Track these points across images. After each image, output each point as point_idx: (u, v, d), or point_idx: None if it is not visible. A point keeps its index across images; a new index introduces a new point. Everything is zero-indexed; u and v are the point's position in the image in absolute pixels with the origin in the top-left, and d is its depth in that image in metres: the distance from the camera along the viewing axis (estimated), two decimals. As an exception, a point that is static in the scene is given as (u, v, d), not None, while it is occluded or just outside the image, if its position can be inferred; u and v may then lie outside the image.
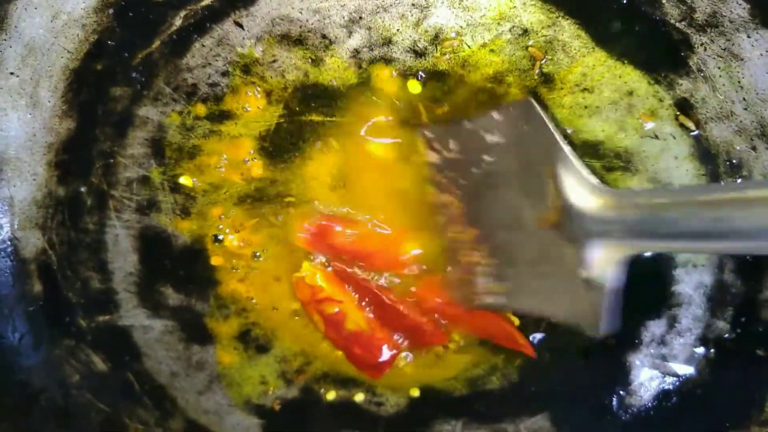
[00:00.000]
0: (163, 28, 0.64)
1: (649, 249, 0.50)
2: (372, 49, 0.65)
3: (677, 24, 0.62)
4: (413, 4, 0.64)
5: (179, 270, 0.69)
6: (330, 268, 0.69)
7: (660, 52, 0.63)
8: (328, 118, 0.67)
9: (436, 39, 0.65)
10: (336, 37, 0.65)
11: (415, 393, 0.71)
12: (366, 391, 0.71)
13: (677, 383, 0.68)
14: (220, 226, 0.69)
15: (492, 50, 0.65)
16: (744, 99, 0.62)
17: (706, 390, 0.67)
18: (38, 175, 0.66)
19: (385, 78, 0.65)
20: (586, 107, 0.65)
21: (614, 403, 0.68)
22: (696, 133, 0.64)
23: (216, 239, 0.69)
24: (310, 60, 0.66)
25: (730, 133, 0.63)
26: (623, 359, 0.68)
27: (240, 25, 0.65)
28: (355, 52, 0.65)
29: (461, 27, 0.65)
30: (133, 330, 0.70)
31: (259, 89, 0.66)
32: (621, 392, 0.68)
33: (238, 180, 0.68)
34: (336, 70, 0.66)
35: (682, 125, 0.64)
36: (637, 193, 0.50)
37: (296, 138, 0.67)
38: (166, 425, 0.70)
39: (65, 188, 0.67)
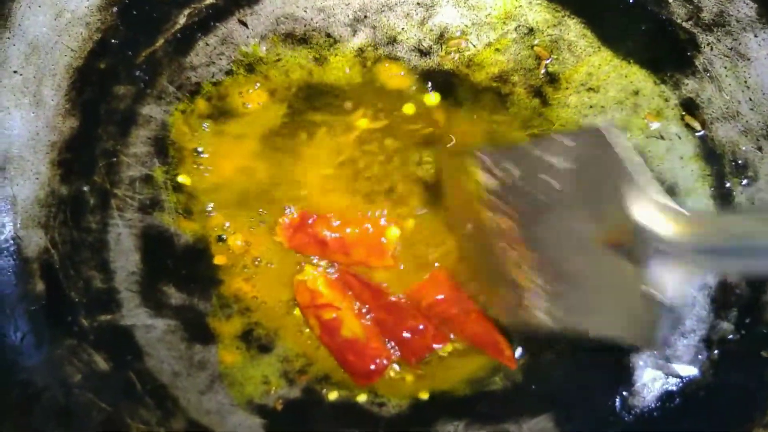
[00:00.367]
0: (167, 27, 0.64)
1: (717, 270, 0.51)
2: (377, 48, 0.65)
3: (683, 23, 0.62)
4: (418, 3, 0.64)
5: (182, 269, 0.69)
6: (331, 270, 0.69)
7: (666, 52, 0.63)
8: (333, 118, 0.66)
9: (441, 38, 0.65)
10: (340, 36, 0.65)
11: (425, 396, 0.70)
12: (368, 391, 0.71)
13: (680, 384, 0.67)
14: (226, 225, 0.68)
15: (497, 49, 0.65)
16: (750, 99, 0.62)
17: (709, 391, 0.67)
18: (41, 173, 0.66)
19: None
20: (591, 107, 0.65)
21: (617, 404, 0.68)
22: (702, 133, 0.64)
23: (220, 239, 0.69)
24: (314, 59, 0.65)
25: (736, 133, 0.63)
26: (626, 360, 0.68)
27: (244, 24, 0.64)
28: (360, 51, 0.65)
29: (466, 26, 0.64)
30: (135, 329, 0.69)
31: (263, 88, 0.66)
32: (624, 393, 0.68)
33: (241, 180, 0.68)
34: (340, 68, 0.65)
35: (687, 125, 0.64)
36: (711, 217, 0.51)
37: (300, 137, 0.67)
38: (168, 425, 0.69)
39: (68, 187, 0.67)
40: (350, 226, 0.67)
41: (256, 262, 0.69)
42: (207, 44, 0.65)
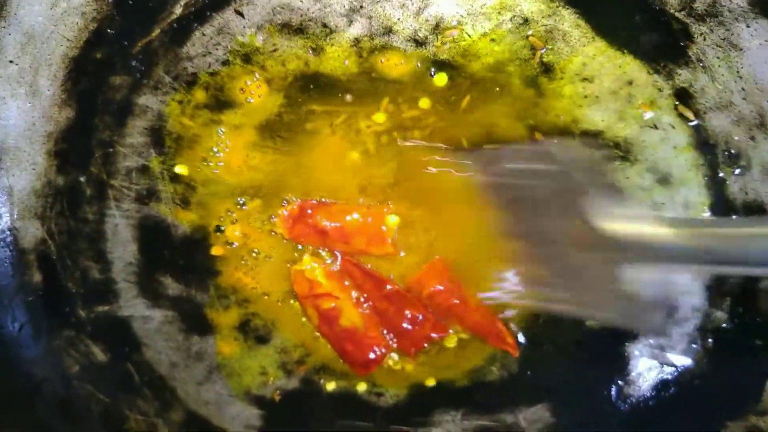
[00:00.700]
0: (163, 17, 0.64)
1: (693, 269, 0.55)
2: (373, 38, 0.65)
3: (677, 14, 0.62)
4: (414, -7, 0.65)
5: (179, 260, 0.69)
6: (330, 261, 0.69)
7: (659, 42, 0.63)
8: (329, 108, 0.67)
9: (437, 28, 0.65)
10: (336, 26, 0.65)
11: (431, 382, 0.71)
12: (366, 381, 0.71)
13: (675, 373, 0.68)
14: (222, 218, 0.68)
15: (493, 39, 0.65)
16: (743, 89, 0.62)
17: (704, 380, 0.67)
18: (37, 164, 0.66)
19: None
20: (586, 97, 0.65)
21: (613, 393, 0.69)
22: (695, 122, 0.65)
23: (218, 229, 0.69)
24: (310, 49, 0.65)
25: (728, 123, 0.64)
26: (622, 350, 0.69)
27: (240, 14, 0.64)
28: (356, 41, 0.65)
29: (462, 16, 0.65)
30: (132, 320, 0.69)
31: (259, 78, 0.66)
32: (620, 382, 0.69)
33: (238, 170, 0.68)
34: (337, 59, 0.65)
35: (681, 115, 0.65)
36: (678, 221, 0.54)
37: (297, 127, 0.67)
38: (166, 416, 0.69)
39: (64, 178, 0.66)
40: (350, 214, 0.68)
41: (254, 254, 0.69)
42: (203, 34, 0.65)
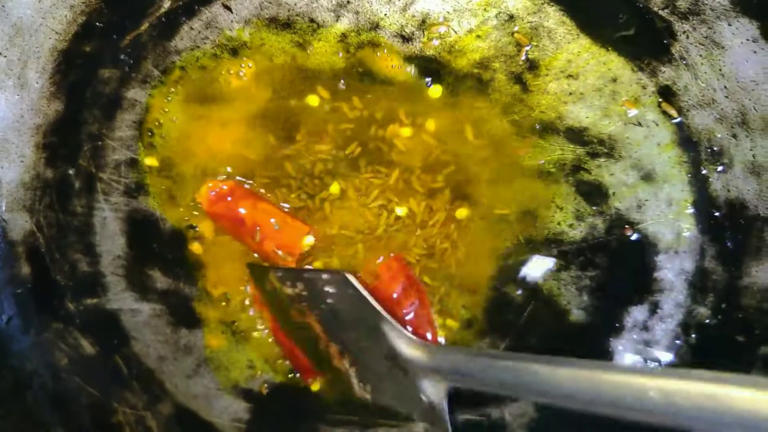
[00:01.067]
0: (151, 10, 0.64)
1: (465, 386, 0.62)
2: (359, 34, 0.66)
3: (660, 11, 0.63)
4: (401, -11, 0.65)
5: (167, 253, 0.70)
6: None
7: (643, 40, 0.64)
8: (316, 104, 0.67)
9: (423, 24, 0.65)
10: (324, 21, 0.65)
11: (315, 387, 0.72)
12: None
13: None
14: (196, 213, 0.69)
15: (478, 36, 0.65)
16: (725, 87, 0.63)
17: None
18: (26, 156, 0.66)
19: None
20: (570, 93, 0.66)
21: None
22: (678, 120, 0.65)
23: (190, 227, 0.69)
24: (297, 44, 0.66)
25: (711, 120, 0.64)
26: (606, 345, 0.69)
27: (228, 8, 0.65)
28: (343, 36, 0.66)
29: (448, 12, 0.65)
30: (121, 313, 0.70)
31: (247, 73, 0.66)
32: (604, 377, 0.69)
33: (226, 163, 0.68)
34: (324, 54, 0.66)
35: (664, 112, 0.65)
36: (448, 350, 0.66)
37: (284, 122, 0.67)
38: (155, 409, 0.70)
39: (53, 170, 0.67)
40: (273, 218, 0.68)
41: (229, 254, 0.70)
42: (191, 28, 0.65)
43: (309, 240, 0.69)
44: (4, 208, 0.66)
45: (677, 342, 0.68)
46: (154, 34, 0.65)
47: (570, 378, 0.52)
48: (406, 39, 0.66)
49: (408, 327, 0.69)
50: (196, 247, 0.69)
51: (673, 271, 0.67)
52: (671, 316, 0.68)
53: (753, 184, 0.64)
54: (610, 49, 0.64)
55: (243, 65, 0.66)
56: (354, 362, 0.67)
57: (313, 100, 0.66)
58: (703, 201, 0.66)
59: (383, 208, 0.68)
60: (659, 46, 0.64)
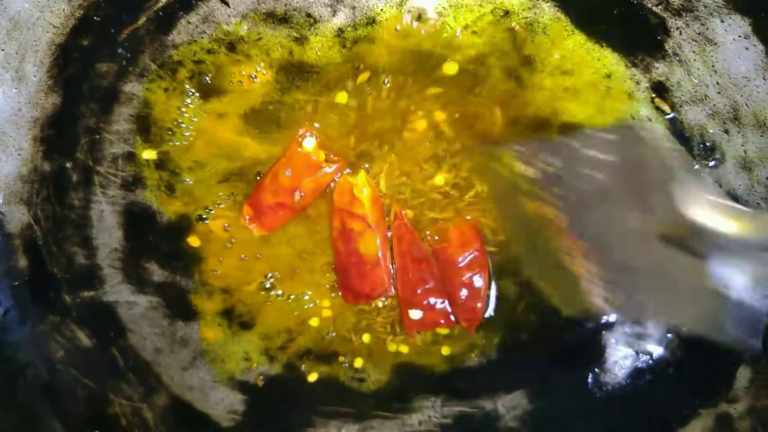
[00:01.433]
0: (149, 5, 0.64)
1: None
2: (356, 29, 0.66)
3: (654, 8, 0.63)
4: (397, -16, 0.65)
5: (164, 246, 0.70)
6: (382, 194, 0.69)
7: (637, 36, 0.64)
8: (313, 97, 0.67)
9: (420, 19, 0.65)
10: (320, 16, 0.65)
11: (447, 352, 0.71)
12: (348, 367, 0.71)
13: (650, 362, 0.69)
14: (210, 210, 0.69)
15: (474, 32, 0.65)
16: (717, 83, 0.63)
17: (678, 368, 0.68)
18: (24, 150, 0.66)
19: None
20: (566, 89, 0.66)
21: (590, 380, 0.69)
22: (671, 115, 0.65)
23: (200, 219, 0.69)
24: (294, 38, 0.66)
25: (704, 116, 0.65)
26: (599, 338, 0.69)
27: (225, 3, 0.65)
28: (339, 31, 0.66)
29: (444, 8, 0.65)
30: (117, 306, 0.70)
31: (244, 67, 0.66)
32: (596, 370, 0.69)
33: (222, 157, 0.68)
34: (320, 48, 0.66)
35: (658, 108, 0.65)
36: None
37: (281, 116, 0.67)
38: (151, 401, 0.70)
39: (51, 163, 0.67)
40: (282, 171, 0.68)
41: (228, 245, 0.70)
42: (189, 22, 0.65)
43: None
44: (1, 200, 0.67)
45: (669, 336, 0.68)
46: (152, 28, 0.65)
47: None
48: (403, 34, 0.66)
49: (461, 297, 0.66)
50: (193, 240, 0.69)
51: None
52: (663, 310, 0.68)
53: (744, 179, 0.64)
54: (604, 45, 0.65)
55: (258, 68, 0.66)
56: (604, 260, 0.55)
57: (341, 98, 0.67)
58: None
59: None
60: (653, 43, 0.64)
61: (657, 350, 0.68)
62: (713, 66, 0.63)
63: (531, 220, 0.59)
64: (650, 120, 0.66)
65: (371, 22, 0.66)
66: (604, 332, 0.69)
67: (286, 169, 0.67)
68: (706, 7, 0.62)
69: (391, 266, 0.70)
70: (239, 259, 0.70)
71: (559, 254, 0.57)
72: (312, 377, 0.71)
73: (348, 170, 0.69)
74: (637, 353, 0.69)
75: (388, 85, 0.66)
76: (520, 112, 0.66)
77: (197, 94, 0.67)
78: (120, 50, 0.65)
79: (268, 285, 0.70)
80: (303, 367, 0.72)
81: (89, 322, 0.69)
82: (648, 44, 0.64)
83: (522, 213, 0.60)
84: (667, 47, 0.64)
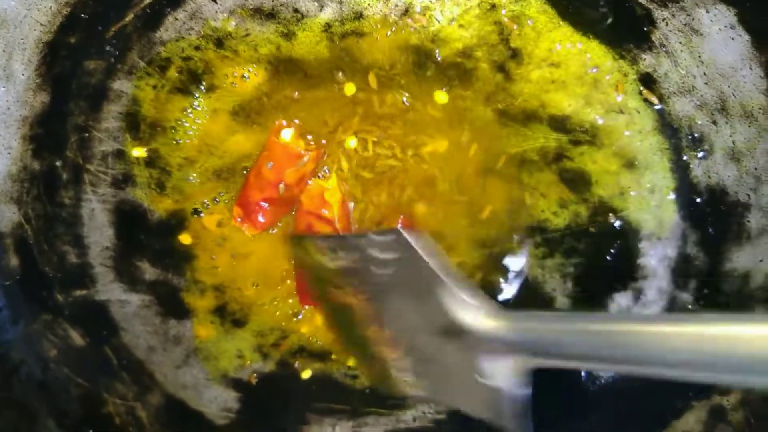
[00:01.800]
0: (136, 1, 0.65)
1: (542, 365, 0.50)
2: (343, 23, 0.66)
3: (640, -1, 0.63)
4: (383, -21, 0.65)
5: (155, 244, 0.70)
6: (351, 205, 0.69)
7: (624, 27, 0.64)
8: (301, 93, 0.67)
9: (406, 13, 0.66)
10: (308, 11, 0.66)
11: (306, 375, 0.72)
12: (341, 364, 0.71)
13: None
14: (206, 202, 0.69)
15: (461, 25, 0.66)
16: (704, 74, 0.64)
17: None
18: (13, 149, 0.66)
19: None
20: (553, 82, 0.66)
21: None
22: (659, 107, 0.66)
23: (196, 212, 0.69)
24: (282, 34, 0.66)
25: (692, 107, 0.65)
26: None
27: (213, -1, 0.65)
28: (327, 26, 0.66)
29: (430, 2, 0.66)
30: (109, 304, 0.70)
31: (232, 63, 0.67)
32: (589, 365, 0.69)
33: (212, 153, 0.68)
34: (308, 44, 0.66)
35: (646, 100, 0.66)
36: (525, 317, 0.52)
37: (269, 112, 0.68)
38: (145, 400, 0.70)
39: (40, 162, 0.67)
40: (260, 170, 0.68)
41: (221, 242, 0.70)
42: (176, 19, 0.65)
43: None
44: (-9, 200, 0.67)
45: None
46: (139, 25, 0.65)
47: (716, 338, 0.40)
48: (390, 28, 0.66)
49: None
50: (184, 238, 0.69)
51: (655, 258, 0.68)
52: (655, 302, 0.68)
53: (733, 170, 0.64)
54: (591, 37, 0.65)
55: (251, 69, 0.66)
56: (404, 349, 0.59)
57: (350, 89, 0.67)
58: (685, 187, 0.66)
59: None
60: (639, 34, 0.64)
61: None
62: (700, 56, 0.63)
63: (339, 305, 0.61)
64: (638, 112, 0.66)
65: (358, 16, 0.66)
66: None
67: (268, 163, 0.67)
68: (692, -2, 0.62)
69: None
70: (231, 256, 0.70)
71: (369, 339, 0.61)
72: (306, 374, 0.71)
73: (322, 172, 0.69)
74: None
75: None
76: (507, 105, 0.67)
77: (185, 91, 0.67)
78: (108, 48, 0.65)
79: (258, 285, 0.70)
80: (296, 364, 0.71)
81: (82, 320, 0.69)
82: (634, 36, 0.64)
83: (331, 298, 0.63)
84: (653, 38, 0.64)
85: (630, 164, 0.67)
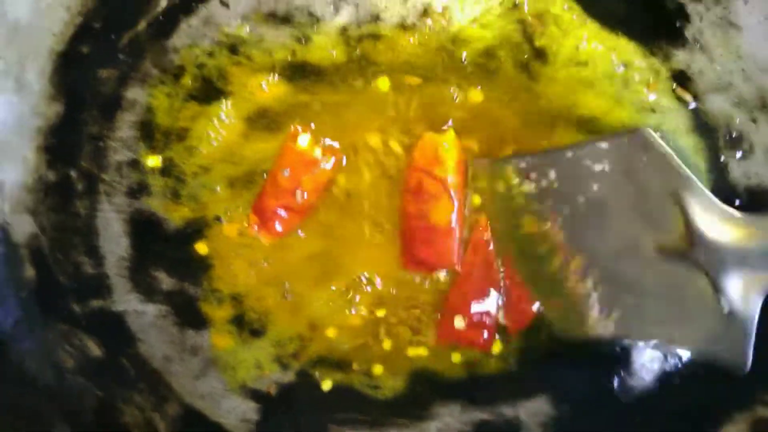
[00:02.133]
0: (148, 9, 0.64)
1: None
2: (360, 26, 0.65)
3: (671, -8, 0.61)
4: (400, -22, 0.64)
5: (171, 254, 0.69)
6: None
7: (655, 23, 0.63)
8: (317, 97, 0.66)
9: (425, 14, 0.64)
10: (323, 14, 0.65)
11: (460, 359, 0.69)
12: (363, 374, 0.70)
13: (679, 364, 0.66)
14: (226, 210, 0.69)
15: (482, 25, 0.64)
16: (743, 69, 0.62)
17: (708, 370, 0.64)
18: (28, 159, 0.66)
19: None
20: (580, 81, 0.64)
21: (615, 385, 0.67)
22: (694, 105, 0.64)
23: (217, 218, 0.69)
24: (297, 38, 0.65)
25: (729, 105, 0.63)
26: (624, 340, 0.66)
27: (225, 4, 0.64)
28: (343, 30, 0.65)
29: (450, 1, 0.64)
30: (126, 315, 0.70)
31: (246, 69, 0.66)
32: (622, 374, 0.67)
33: (227, 162, 0.68)
34: (324, 48, 0.65)
35: (679, 98, 0.64)
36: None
37: (286, 117, 0.67)
38: (162, 410, 0.70)
39: (55, 172, 0.67)
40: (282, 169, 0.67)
41: (238, 251, 0.69)
42: (189, 26, 0.65)
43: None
44: (7, 211, 0.67)
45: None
46: (152, 33, 0.65)
47: None
48: (408, 30, 0.65)
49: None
50: (200, 247, 0.69)
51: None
52: (691, 309, 0.66)
53: (776, 170, 0.62)
54: (619, 33, 0.63)
55: (266, 74, 0.66)
56: (598, 278, 0.55)
57: (383, 84, 0.65)
58: (723, 189, 0.63)
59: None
60: (671, 29, 0.62)
61: (685, 352, 0.66)
62: (737, 51, 0.61)
63: (528, 236, 0.59)
64: (672, 111, 0.63)
65: (376, 18, 0.65)
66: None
67: (284, 170, 0.66)
68: (727, -11, 0.60)
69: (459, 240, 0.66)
70: (248, 265, 0.69)
71: (556, 271, 0.58)
72: (326, 385, 0.70)
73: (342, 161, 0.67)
74: (665, 355, 0.66)
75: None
76: (533, 106, 0.65)
77: (199, 98, 0.67)
78: (121, 56, 0.65)
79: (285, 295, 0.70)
80: (316, 374, 0.71)
81: (98, 331, 0.69)
82: (666, 31, 0.62)
83: (519, 229, 0.60)
84: (687, 34, 0.62)
85: (664, 166, 0.65)
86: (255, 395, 0.71)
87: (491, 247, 0.65)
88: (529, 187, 0.58)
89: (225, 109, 0.67)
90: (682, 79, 0.63)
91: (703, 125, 0.64)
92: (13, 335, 0.68)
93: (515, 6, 0.64)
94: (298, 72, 0.66)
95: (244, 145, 0.67)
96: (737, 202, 0.63)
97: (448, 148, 0.64)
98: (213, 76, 0.66)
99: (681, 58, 0.63)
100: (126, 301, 0.70)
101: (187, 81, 0.66)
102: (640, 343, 0.65)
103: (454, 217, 0.65)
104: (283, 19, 0.65)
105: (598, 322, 0.57)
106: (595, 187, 0.55)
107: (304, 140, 0.66)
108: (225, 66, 0.66)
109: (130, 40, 0.65)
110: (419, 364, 0.70)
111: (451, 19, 0.64)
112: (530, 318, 0.67)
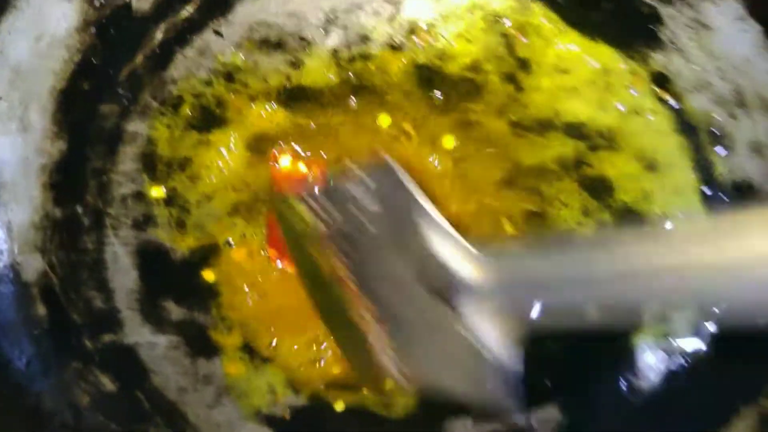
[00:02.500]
0: (144, 43, 0.66)
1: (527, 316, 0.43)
2: (350, 48, 0.67)
3: (644, -3, 0.63)
4: (385, 0, 0.66)
5: (179, 283, 0.70)
6: None
7: (631, 28, 0.64)
8: (314, 120, 0.67)
9: (412, 32, 0.66)
10: (314, 38, 0.66)
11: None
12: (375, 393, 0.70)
13: (685, 363, 0.67)
14: (236, 236, 0.69)
15: (467, 39, 0.66)
16: (719, 68, 0.63)
17: (715, 367, 0.66)
18: (34, 197, 0.67)
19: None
20: (564, 89, 0.66)
21: (623, 387, 0.68)
22: (676, 106, 0.65)
23: (228, 243, 0.69)
24: (290, 63, 0.67)
25: (709, 103, 0.64)
26: (627, 341, 0.68)
27: (219, 34, 0.66)
28: (334, 52, 0.67)
29: (435, 18, 0.66)
30: (138, 347, 0.69)
31: (243, 96, 0.67)
32: (629, 376, 0.68)
33: (230, 189, 0.69)
34: (317, 71, 0.67)
35: (661, 99, 0.65)
36: (508, 257, 0.47)
37: (285, 141, 0.68)
38: (179, 442, 0.69)
39: (62, 209, 0.67)
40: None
41: (244, 278, 0.69)
42: (185, 57, 0.67)
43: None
44: (16, 250, 0.67)
45: (701, 331, 0.66)
46: (150, 66, 0.66)
47: None
48: (397, 48, 0.67)
49: None
50: (207, 275, 0.69)
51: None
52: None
53: (758, 163, 0.63)
54: (598, 40, 0.65)
55: (267, 105, 0.67)
56: (391, 324, 0.51)
57: (384, 120, 0.66)
58: (710, 186, 0.65)
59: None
60: (647, 33, 0.64)
61: (690, 349, 0.66)
62: (712, 51, 0.63)
63: (327, 284, 0.55)
64: (655, 112, 0.65)
65: (365, 39, 0.66)
66: (631, 335, 0.68)
67: (279, 194, 0.66)
68: (697, -8, 0.62)
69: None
70: (256, 291, 0.69)
71: (354, 320, 0.54)
72: (339, 406, 0.70)
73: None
74: (670, 354, 0.67)
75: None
76: (521, 116, 0.66)
77: (199, 127, 0.68)
78: (121, 90, 0.67)
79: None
80: (329, 396, 0.70)
81: (112, 366, 0.69)
82: (642, 35, 0.64)
83: (319, 271, 0.56)
84: (662, 36, 0.64)
85: (651, 166, 0.66)
86: (270, 421, 0.70)
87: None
88: (319, 225, 0.54)
89: (225, 136, 0.68)
90: (662, 80, 0.65)
91: (686, 125, 0.65)
92: (27, 375, 0.67)
93: (497, 20, 0.66)
94: (295, 96, 0.67)
95: (245, 171, 0.68)
96: (725, 197, 0.65)
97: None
98: (211, 104, 0.67)
99: (659, 60, 0.64)
100: (137, 333, 0.69)
101: (186, 111, 0.67)
102: (643, 343, 0.66)
103: None
104: (276, 45, 0.67)
105: (396, 375, 0.53)
106: (365, 222, 0.51)
107: (285, 160, 0.67)
108: (222, 94, 0.67)
109: (128, 74, 0.66)
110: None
111: (437, 36, 0.66)
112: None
